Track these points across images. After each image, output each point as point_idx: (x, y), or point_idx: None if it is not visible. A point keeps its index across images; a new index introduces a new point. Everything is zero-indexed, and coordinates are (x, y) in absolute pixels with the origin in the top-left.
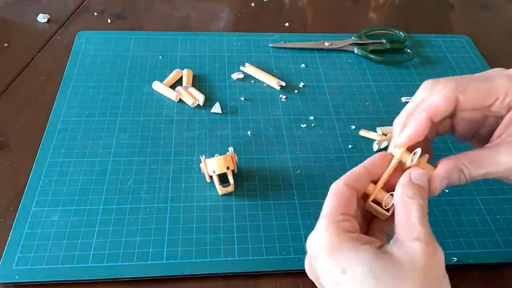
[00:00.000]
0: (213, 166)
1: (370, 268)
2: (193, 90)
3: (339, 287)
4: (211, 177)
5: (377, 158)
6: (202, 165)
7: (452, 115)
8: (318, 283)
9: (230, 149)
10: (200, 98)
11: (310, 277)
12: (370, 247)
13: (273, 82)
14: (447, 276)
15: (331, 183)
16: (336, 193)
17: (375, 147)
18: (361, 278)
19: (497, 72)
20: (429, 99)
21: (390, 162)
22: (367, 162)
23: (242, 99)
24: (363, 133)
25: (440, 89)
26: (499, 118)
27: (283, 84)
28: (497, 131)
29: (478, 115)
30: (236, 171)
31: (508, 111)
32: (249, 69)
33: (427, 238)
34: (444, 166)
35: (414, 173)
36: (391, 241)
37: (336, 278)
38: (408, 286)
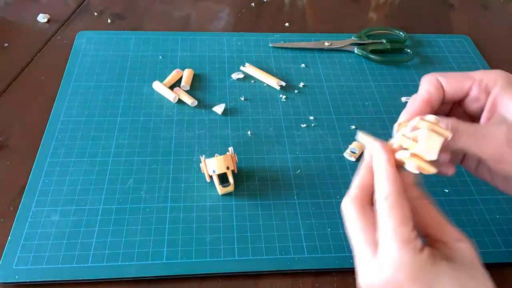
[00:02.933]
0: (213, 166)
1: (456, 282)
2: (184, 95)
3: None
4: (211, 177)
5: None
6: (202, 165)
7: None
8: None
9: (230, 149)
10: (189, 101)
11: None
12: (442, 262)
13: (273, 82)
14: None
15: (331, 182)
16: (402, 207)
17: (347, 155)
18: None
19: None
20: (420, 88)
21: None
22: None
23: (242, 99)
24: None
25: (425, 77)
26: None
27: (283, 84)
28: (481, 120)
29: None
30: (236, 171)
31: (488, 96)
32: (249, 69)
33: (461, 235)
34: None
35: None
36: (431, 243)
37: None
38: (482, 282)
